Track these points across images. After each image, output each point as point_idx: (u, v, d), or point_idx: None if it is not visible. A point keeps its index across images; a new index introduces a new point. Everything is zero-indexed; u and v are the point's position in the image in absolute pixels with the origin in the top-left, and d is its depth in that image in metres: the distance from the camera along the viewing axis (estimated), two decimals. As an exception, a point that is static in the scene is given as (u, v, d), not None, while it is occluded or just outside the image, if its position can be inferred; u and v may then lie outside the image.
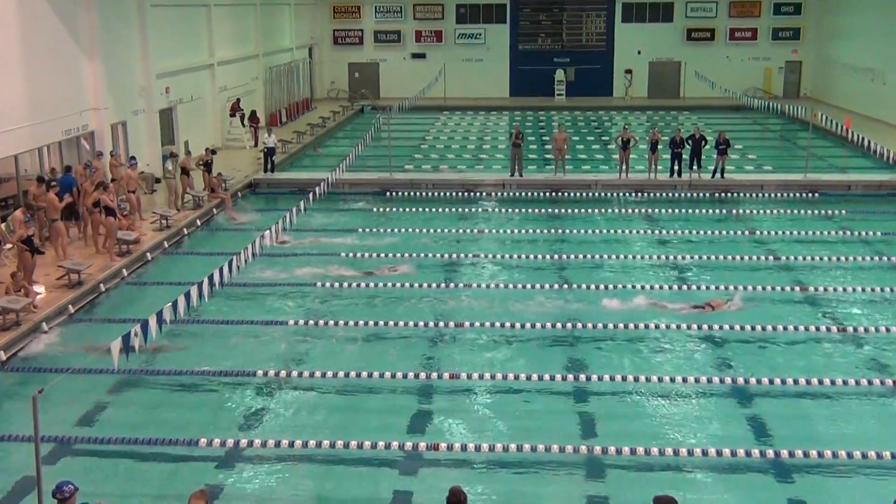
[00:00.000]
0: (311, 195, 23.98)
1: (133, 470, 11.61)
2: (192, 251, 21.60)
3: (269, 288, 18.57)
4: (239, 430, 12.59)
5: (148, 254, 20.44)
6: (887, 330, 15.65)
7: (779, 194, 26.67)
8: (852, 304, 17.22)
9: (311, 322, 16.49)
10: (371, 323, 16.18)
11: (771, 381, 13.59)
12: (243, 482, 11.34)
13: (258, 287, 18.58)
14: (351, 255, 20.63)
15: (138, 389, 14.06)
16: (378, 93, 49.45)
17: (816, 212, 24.37)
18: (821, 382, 13.58)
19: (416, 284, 18.39)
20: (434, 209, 25.21)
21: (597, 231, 22.61)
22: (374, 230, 22.90)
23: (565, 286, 18.25)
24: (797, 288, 18.12)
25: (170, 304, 13.86)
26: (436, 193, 27.18)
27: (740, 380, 13.81)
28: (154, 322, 14.03)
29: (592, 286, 18.15)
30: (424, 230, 22.82)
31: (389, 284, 18.45)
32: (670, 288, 18.13)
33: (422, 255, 20.58)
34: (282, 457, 11.80)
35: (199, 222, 23.48)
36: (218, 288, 17.29)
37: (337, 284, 18.57)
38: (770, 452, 11.55)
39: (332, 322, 16.45)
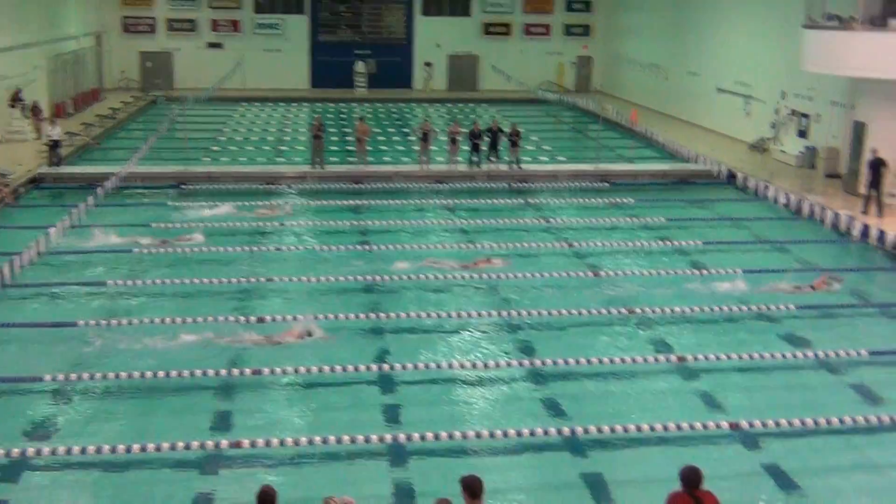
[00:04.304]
0: (100, 190, 23.01)
1: None
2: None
3: (56, 288, 17.57)
4: (25, 438, 11.85)
5: (-82, 254, 18.90)
6: (672, 311, 16.56)
7: (572, 184, 27.75)
8: (640, 287, 18.09)
9: (103, 322, 15.70)
10: (168, 320, 15.60)
11: (566, 362, 14.11)
12: (31, 493, 10.69)
13: (43, 287, 17.55)
14: (145, 251, 19.85)
15: None
16: (172, 83, 47.87)
17: (607, 200, 25.51)
18: (612, 361, 14.22)
19: (216, 280, 17.90)
20: (234, 202, 24.56)
21: (398, 221, 22.75)
22: (169, 225, 22.05)
23: (368, 277, 18.27)
24: (590, 273, 18.90)
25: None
26: (235, 186, 26.55)
27: (537, 362, 14.27)
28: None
29: (395, 277, 18.26)
30: (224, 224, 22.23)
31: (186, 280, 17.85)
32: (470, 277, 18.49)
33: (221, 248, 20.07)
34: (73, 464, 11.20)
35: (-24, 220, 21.95)
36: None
37: (130, 282, 17.81)
38: (566, 430, 11.99)
39: (124, 321, 15.74)
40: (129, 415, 12.70)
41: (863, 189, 23.68)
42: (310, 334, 15.11)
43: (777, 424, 12.17)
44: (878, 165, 22.80)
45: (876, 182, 22.85)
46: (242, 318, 15.90)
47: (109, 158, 29.53)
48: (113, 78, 47.79)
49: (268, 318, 15.85)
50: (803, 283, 18.05)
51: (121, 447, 11.30)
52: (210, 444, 11.57)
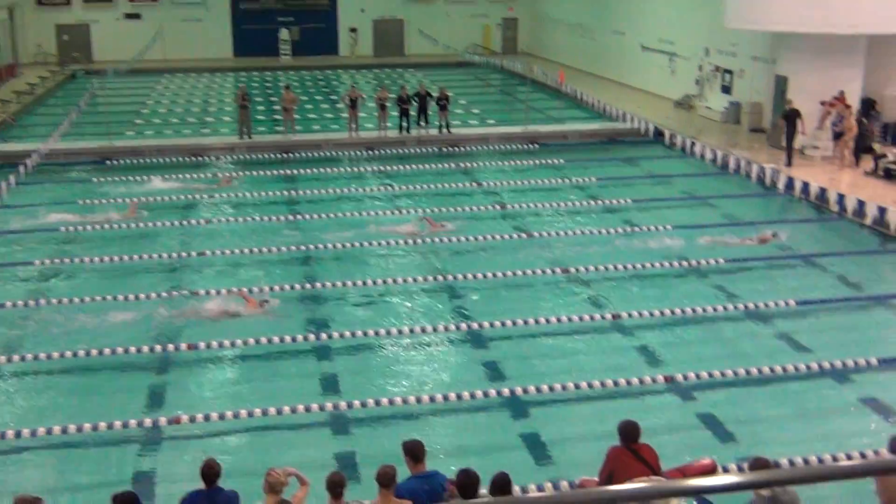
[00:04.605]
0: (21, 168, 22.44)
1: None
2: None
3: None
4: (-44, 425, 11.59)
5: None
6: (605, 269, 16.76)
7: (502, 146, 27.81)
8: (574, 246, 18.28)
9: (31, 302, 15.34)
10: (98, 298, 15.30)
11: (503, 324, 14.22)
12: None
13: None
14: (71, 229, 19.39)
15: None
16: (91, 56, 46.56)
17: (537, 161, 25.64)
18: (548, 321, 14.37)
19: (147, 255, 17.60)
20: (161, 176, 24.01)
21: (329, 190, 22.58)
22: (95, 202, 21.51)
23: (303, 246, 18.12)
24: (523, 234, 19.01)
25: None
26: (161, 160, 26.02)
27: (475, 325, 14.34)
28: None
29: (329, 245, 18.16)
30: (152, 199, 21.78)
31: (116, 258, 17.49)
32: (405, 243, 18.47)
33: (149, 224, 19.71)
34: (7, 449, 10.98)
35: None
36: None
37: (57, 260, 17.41)
38: (506, 391, 12.12)
39: (54, 300, 15.40)
40: (65, 396, 12.49)
41: (784, 142, 24.17)
42: (266, 302, 15.03)
43: (710, 376, 12.46)
44: (792, 116, 23.35)
45: (791, 133, 23.43)
46: (176, 293, 15.69)
47: (29, 135, 28.68)
48: (29, 52, 46.24)
49: (201, 291, 15.66)
50: (749, 237, 18.45)
51: (56, 429, 11.11)
52: (148, 421, 11.45)
